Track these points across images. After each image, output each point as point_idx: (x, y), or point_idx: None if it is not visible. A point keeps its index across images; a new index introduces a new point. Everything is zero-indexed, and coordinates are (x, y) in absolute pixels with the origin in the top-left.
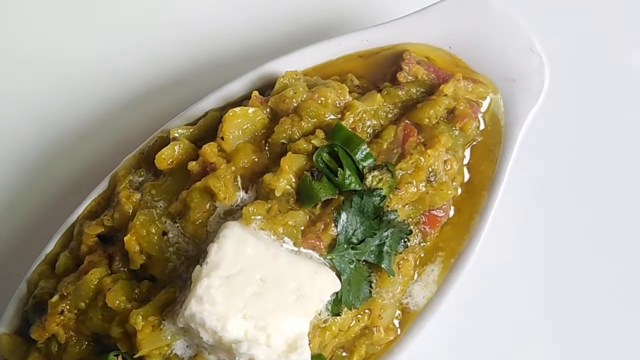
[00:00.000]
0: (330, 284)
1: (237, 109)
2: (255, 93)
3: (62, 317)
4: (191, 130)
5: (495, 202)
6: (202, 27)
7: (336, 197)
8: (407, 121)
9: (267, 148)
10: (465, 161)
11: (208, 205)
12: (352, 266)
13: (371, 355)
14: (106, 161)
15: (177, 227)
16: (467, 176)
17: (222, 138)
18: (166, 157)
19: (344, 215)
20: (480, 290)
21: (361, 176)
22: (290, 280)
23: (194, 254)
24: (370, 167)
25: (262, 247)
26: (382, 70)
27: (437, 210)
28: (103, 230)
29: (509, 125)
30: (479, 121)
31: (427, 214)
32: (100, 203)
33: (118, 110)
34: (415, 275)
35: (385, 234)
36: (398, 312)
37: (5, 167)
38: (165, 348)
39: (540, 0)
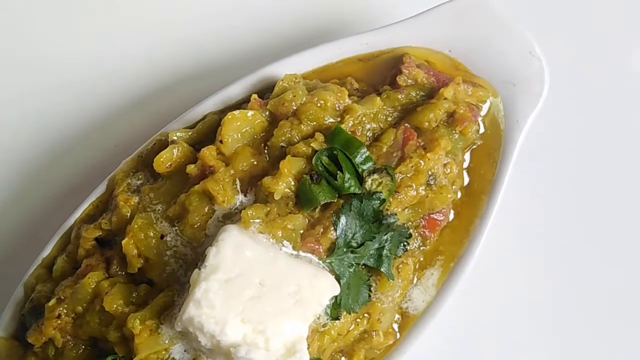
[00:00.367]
0: (330, 287)
1: (236, 112)
2: (255, 96)
3: (59, 321)
4: (190, 133)
5: (495, 206)
6: (201, 31)
7: (335, 200)
8: (406, 125)
9: (266, 151)
10: (465, 165)
11: (207, 209)
12: (351, 270)
13: None
14: (104, 164)
15: (176, 230)
16: (467, 180)
17: (221, 141)
18: (165, 160)
19: (343, 219)
20: (480, 294)
21: (361, 179)
22: (289, 284)
23: (192, 257)
24: (370, 171)
25: (261, 250)
26: (381, 74)
27: (437, 214)
28: (101, 233)
29: (509, 128)
30: (478, 125)
31: (427, 217)
32: (98, 206)
33: (116, 113)
34: (415, 279)
35: (385, 237)
36: (397, 316)
37: (2, 169)
38: (163, 352)
39: (540, 4)
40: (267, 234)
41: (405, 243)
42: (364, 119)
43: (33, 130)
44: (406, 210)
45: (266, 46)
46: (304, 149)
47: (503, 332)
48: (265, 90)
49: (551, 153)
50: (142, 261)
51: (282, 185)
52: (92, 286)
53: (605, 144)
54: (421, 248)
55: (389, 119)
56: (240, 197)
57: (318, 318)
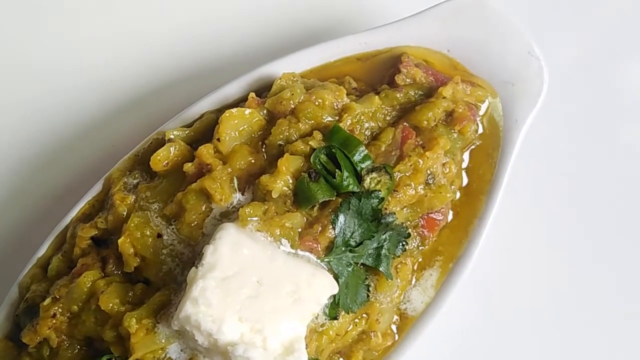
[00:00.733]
0: (328, 286)
1: (234, 110)
2: (252, 94)
3: (54, 321)
4: (187, 132)
5: (494, 206)
6: (198, 30)
7: (334, 198)
8: (405, 124)
9: (263, 150)
10: (464, 165)
11: (204, 207)
12: (349, 269)
13: None
14: (100, 164)
15: (172, 229)
16: (465, 180)
17: (218, 139)
18: (161, 159)
19: (341, 217)
20: (479, 295)
21: (359, 178)
22: (287, 282)
23: (189, 256)
24: (369, 169)
25: (259, 249)
26: (380, 73)
27: (436, 214)
28: (97, 232)
29: (508, 128)
30: (477, 124)
31: (426, 217)
32: (94, 205)
33: (113, 113)
34: (414, 280)
35: (384, 236)
36: (396, 317)
37: None
38: (160, 352)
39: (539, 4)
40: (265, 232)
41: (404, 243)
42: (362, 117)
43: (28, 131)
44: (405, 209)
45: (264, 46)
46: (302, 147)
47: (502, 333)
48: (263, 90)
49: (550, 153)
50: (138, 260)
51: (280, 183)
52: (88, 285)
53: (604, 145)
54: (420, 248)
55: (388, 118)
56: (238, 195)
57: (316, 317)
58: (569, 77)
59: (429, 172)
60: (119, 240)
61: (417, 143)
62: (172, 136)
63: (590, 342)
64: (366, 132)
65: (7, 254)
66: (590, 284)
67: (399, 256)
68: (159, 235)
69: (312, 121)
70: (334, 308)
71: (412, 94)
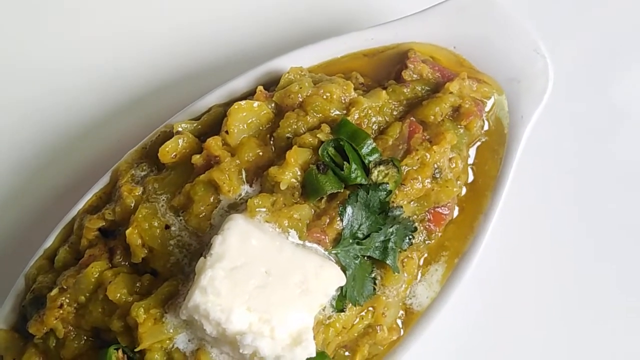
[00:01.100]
0: (336, 278)
1: (243, 102)
2: (260, 88)
3: (61, 311)
4: (195, 125)
5: (499, 202)
6: (206, 26)
7: (342, 191)
8: (412, 118)
9: (271, 142)
10: (470, 161)
11: (212, 199)
12: (357, 261)
13: (374, 356)
14: (108, 157)
15: (180, 220)
16: (471, 176)
17: (226, 132)
18: (170, 150)
19: (349, 210)
20: (484, 290)
21: (367, 171)
22: (295, 273)
23: (197, 247)
24: (376, 162)
25: (267, 239)
26: (386, 69)
27: (442, 208)
28: (104, 224)
29: (514, 125)
30: (483, 120)
31: (432, 211)
32: (101, 197)
33: (121, 108)
34: (419, 275)
35: (391, 230)
36: (401, 312)
37: (5, 162)
38: (167, 342)
39: (545, 2)
40: (273, 223)
41: (411, 236)
42: (369, 111)
43: (36, 123)
44: (412, 203)
45: (272, 43)
46: (310, 139)
47: (507, 329)
48: (270, 84)
49: (555, 150)
50: (146, 251)
51: (289, 175)
52: (95, 276)
53: (609, 141)
54: (426, 242)
55: (395, 112)
56: (246, 187)
57: (323, 309)
58: (574, 74)
59: (435, 166)
60: (127, 231)
61: (424, 137)
62: (180, 129)
63: (596, 335)
64: (373, 126)
65: (14, 247)
66: (596, 279)
67: (405, 250)
68: (167, 227)
69: (320, 114)
70: (341, 300)
71: (419, 89)
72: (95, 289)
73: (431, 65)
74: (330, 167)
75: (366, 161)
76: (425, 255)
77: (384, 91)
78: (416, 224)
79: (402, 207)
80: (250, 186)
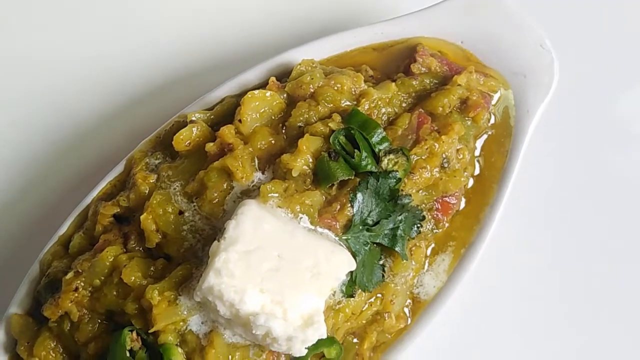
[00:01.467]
0: (346, 262)
1: (256, 92)
2: (273, 79)
3: (76, 294)
4: (208, 114)
5: (505, 194)
6: (219, 20)
7: (352, 178)
8: (421, 110)
9: (283, 131)
10: (477, 153)
11: (225, 185)
12: (366, 248)
13: (382, 344)
14: (122, 148)
15: (194, 206)
16: (478, 168)
17: (239, 120)
18: (184, 139)
19: (359, 196)
20: (490, 281)
21: (377, 159)
22: (307, 257)
23: (210, 233)
24: (386, 151)
25: (280, 224)
26: (395, 63)
27: (450, 197)
28: (119, 210)
29: (520, 118)
30: (490, 113)
31: (440, 200)
32: (115, 185)
33: (135, 99)
34: (427, 265)
35: (400, 217)
36: (409, 300)
37: (23, 152)
38: (181, 323)
39: None
40: (285, 209)
41: (419, 225)
42: (379, 103)
43: (53, 113)
44: (420, 192)
45: (283, 36)
46: (321, 128)
47: (513, 319)
48: (282, 76)
49: (561, 143)
50: (160, 236)
51: (301, 162)
52: (110, 260)
53: (614, 134)
54: (434, 231)
55: (404, 104)
56: (259, 174)
57: (334, 294)
58: (579, 69)
59: (444, 156)
60: (141, 217)
61: (433, 128)
62: (194, 118)
63: (603, 327)
64: (383, 117)
65: (28, 234)
66: (602, 271)
67: (413, 238)
68: (181, 212)
69: (331, 105)
70: (351, 285)
71: (428, 82)
72: (110, 272)
73: (439, 59)
74: (342, 155)
75: (376, 150)
76: (433, 245)
77: (393, 83)
78: (424, 213)
79: (410, 195)
80: (263, 173)
